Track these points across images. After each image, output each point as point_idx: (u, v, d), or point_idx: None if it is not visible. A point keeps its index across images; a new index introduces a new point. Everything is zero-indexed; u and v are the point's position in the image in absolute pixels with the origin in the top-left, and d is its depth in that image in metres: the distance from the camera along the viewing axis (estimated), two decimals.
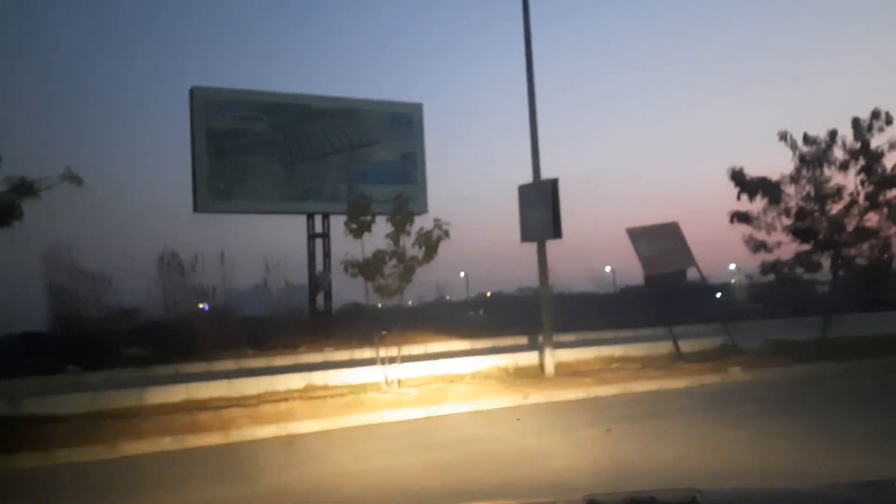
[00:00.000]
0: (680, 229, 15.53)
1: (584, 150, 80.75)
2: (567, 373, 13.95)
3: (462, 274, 54.18)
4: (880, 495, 2.12)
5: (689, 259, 15.37)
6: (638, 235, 15.15)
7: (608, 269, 49.31)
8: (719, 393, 11.96)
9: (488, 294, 46.08)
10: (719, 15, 77.48)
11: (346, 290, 18.24)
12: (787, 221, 15.18)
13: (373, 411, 11.01)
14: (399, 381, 12.68)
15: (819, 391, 11.57)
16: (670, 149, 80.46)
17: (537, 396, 11.85)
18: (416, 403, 11.46)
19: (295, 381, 13.34)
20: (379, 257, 12.80)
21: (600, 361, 15.58)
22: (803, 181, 14.86)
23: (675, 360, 14.66)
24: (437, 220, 12.67)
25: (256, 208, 23.08)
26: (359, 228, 12.72)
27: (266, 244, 29.36)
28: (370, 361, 13.68)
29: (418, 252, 12.66)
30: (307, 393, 12.66)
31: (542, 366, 13.83)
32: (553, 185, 13.37)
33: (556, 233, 13.26)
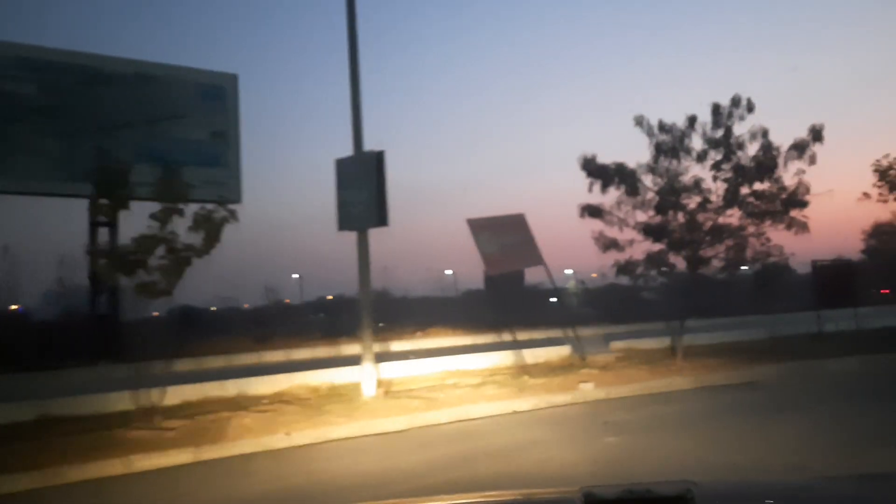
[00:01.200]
0: (527, 222, 13.49)
1: (440, 158, 79.70)
2: (394, 392, 11.33)
3: (295, 275, 50.65)
4: (878, 488, 2.11)
5: (536, 256, 13.34)
6: (480, 228, 12.88)
7: (449, 271, 47.87)
8: (573, 417, 9.83)
9: (329, 297, 43.57)
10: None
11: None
12: (641, 217, 13.59)
13: (118, 456, 7.76)
14: (161, 410, 9.39)
15: (686, 413, 9.74)
16: (530, 158, 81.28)
17: (345, 428, 9.08)
18: (178, 444, 8.30)
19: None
20: (144, 245, 9.49)
21: (436, 376, 13.14)
22: (661, 172, 13.30)
23: (520, 374, 12.50)
24: (221, 197, 9.62)
25: (21, 189, 18.53)
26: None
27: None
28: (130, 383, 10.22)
29: (196, 238, 9.49)
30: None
31: (363, 385, 11.07)
32: (378, 158, 10.70)
33: (381, 219, 10.58)
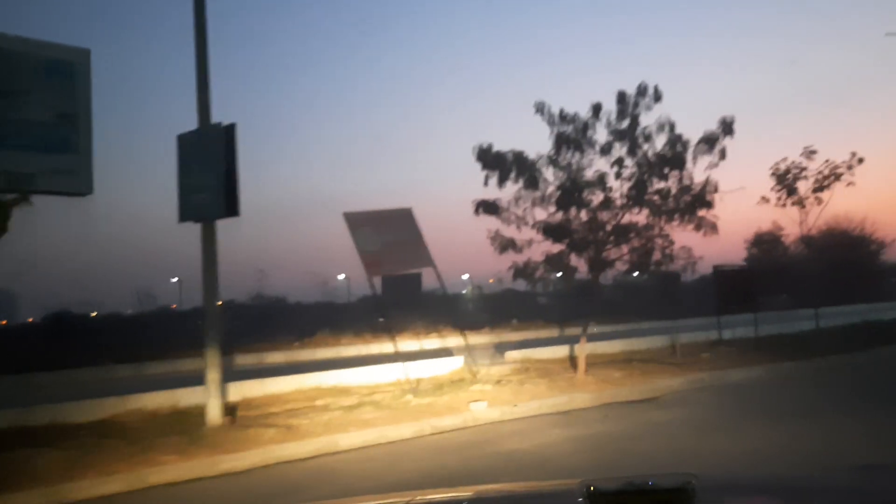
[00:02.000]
0: (414, 218, 11.90)
1: (336, 162, 77.20)
2: (248, 418, 9.42)
3: (174, 279, 47.33)
4: (877, 479, 2.10)
5: (424, 257, 11.78)
6: (359, 223, 11.14)
7: (341, 276, 45.81)
8: (460, 448, 8.25)
9: (218, 303, 40.64)
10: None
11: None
12: (542, 215, 12.26)
13: None
14: None
15: (591, 439, 8.38)
16: (429, 157, 79.76)
17: (174, 469, 7.13)
18: None
19: None
20: None
21: (306, 395, 11.30)
22: (563, 165, 12.01)
23: (405, 392, 10.86)
24: (69, 187, 7.68)
25: None
26: None
27: None
28: None
29: None
30: None
31: (207, 410, 9.05)
32: (227, 134, 8.78)
33: (230, 209, 8.65)
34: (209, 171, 8.82)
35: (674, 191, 11.90)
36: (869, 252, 45.04)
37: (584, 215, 12.15)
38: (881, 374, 12.93)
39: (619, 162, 11.94)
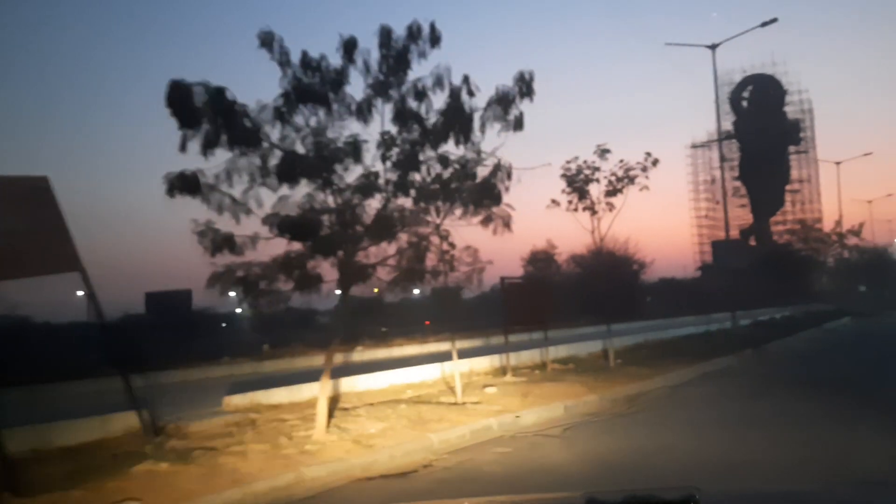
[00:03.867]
0: (53, 193, 7.38)
1: None
2: None
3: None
4: (878, 494, 2.10)
5: (63, 256, 7.30)
6: None
7: (80, 293, 38.10)
8: None
9: None
10: None
11: None
12: (272, 199, 8.35)
13: None
14: None
15: None
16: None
17: None
18: None
19: None
20: None
21: None
22: (299, 126, 8.23)
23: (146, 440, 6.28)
24: None
25: None
26: None
27: None
28: None
29: None
30: None
31: None
32: None
33: None
34: None
35: (451, 173, 8.61)
36: (631, 272, 47.03)
37: (331, 201, 8.46)
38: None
39: (388, 141, 8.45)
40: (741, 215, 71.18)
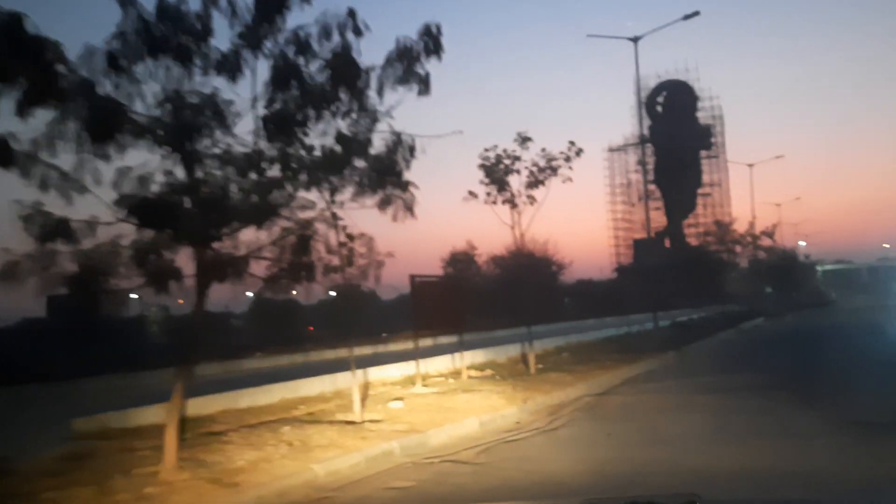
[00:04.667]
0: None
1: None
2: None
3: None
4: (882, 501, 2.26)
5: None
6: None
7: None
8: None
9: None
10: None
11: None
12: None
13: None
14: None
15: None
16: None
17: None
18: None
19: None
20: None
21: None
22: (151, 77, 6.51)
23: None
24: None
25: None
26: None
27: None
28: None
29: None
30: None
31: None
32: None
33: None
34: None
35: (342, 145, 7.08)
36: (550, 273, 46.63)
37: (191, 176, 6.77)
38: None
39: (265, 103, 6.83)
40: (655, 218, 72.23)
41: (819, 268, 74.75)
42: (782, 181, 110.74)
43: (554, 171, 14.01)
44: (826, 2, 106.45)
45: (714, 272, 47.43)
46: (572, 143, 14.04)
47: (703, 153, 74.84)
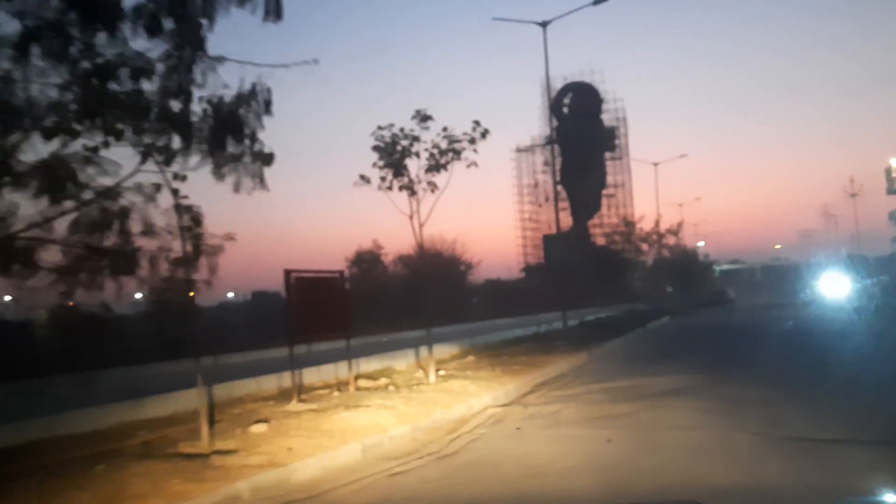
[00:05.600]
0: None
1: None
2: None
3: None
4: None
5: None
6: None
7: None
8: None
9: None
10: None
11: None
12: None
13: None
14: None
15: None
16: None
17: None
18: None
19: None
20: None
21: None
22: None
23: None
24: None
25: None
26: None
27: None
28: None
29: None
30: None
31: None
32: None
33: None
34: None
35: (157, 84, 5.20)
36: (459, 272, 45.49)
37: None
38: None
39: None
40: (562, 218, 72.77)
41: (716, 267, 77.33)
42: (684, 183, 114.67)
43: (457, 153, 12.51)
44: (727, 5, 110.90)
45: (621, 271, 47.61)
46: (477, 122, 12.59)
47: (608, 155, 75.84)
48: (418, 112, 12.33)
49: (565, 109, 75.59)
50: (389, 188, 12.39)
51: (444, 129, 12.36)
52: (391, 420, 8.72)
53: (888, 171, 74.64)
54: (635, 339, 23.26)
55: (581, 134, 70.88)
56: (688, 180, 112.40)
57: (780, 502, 4.98)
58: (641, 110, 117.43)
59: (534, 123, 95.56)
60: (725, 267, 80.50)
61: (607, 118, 75.83)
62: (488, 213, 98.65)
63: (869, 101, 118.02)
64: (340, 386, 11.54)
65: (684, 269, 52.01)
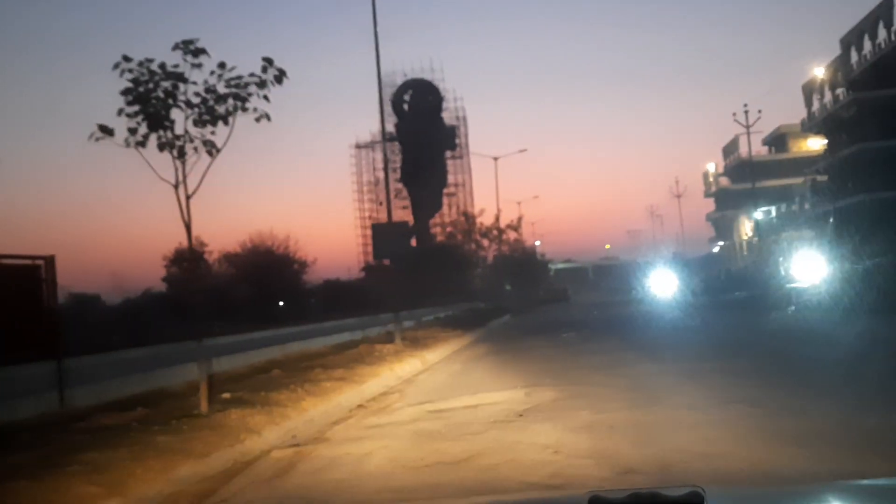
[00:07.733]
0: None
1: None
2: None
3: None
4: (888, 495, 2.06)
5: None
6: None
7: None
8: None
9: None
10: None
11: None
12: None
13: None
14: None
15: None
16: None
17: None
18: None
19: None
20: None
21: None
22: None
23: None
24: None
25: None
26: None
27: None
28: None
29: None
30: None
31: None
32: None
33: None
34: None
35: None
36: (293, 272, 41.93)
37: None
38: None
39: None
40: (403, 217, 70.79)
41: (552, 266, 78.83)
42: (523, 181, 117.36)
43: (242, 100, 9.27)
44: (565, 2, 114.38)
45: (460, 268, 46.08)
46: (269, 61, 9.40)
47: (448, 153, 74.91)
48: (186, 43, 8.96)
49: (406, 107, 73.71)
50: (141, 143, 8.90)
51: (222, 65, 9.09)
52: (98, 491, 5.38)
53: (705, 175, 79.90)
54: (477, 340, 21.13)
55: (421, 132, 69.36)
56: (527, 178, 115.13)
57: None
58: (483, 106, 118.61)
59: (374, 119, 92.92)
60: (560, 265, 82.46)
61: (448, 116, 74.88)
62: (327, 212, 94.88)
63: (693, 104, 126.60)
64: (67, 422, 7.89)
65: (523, 266, 51.53)
